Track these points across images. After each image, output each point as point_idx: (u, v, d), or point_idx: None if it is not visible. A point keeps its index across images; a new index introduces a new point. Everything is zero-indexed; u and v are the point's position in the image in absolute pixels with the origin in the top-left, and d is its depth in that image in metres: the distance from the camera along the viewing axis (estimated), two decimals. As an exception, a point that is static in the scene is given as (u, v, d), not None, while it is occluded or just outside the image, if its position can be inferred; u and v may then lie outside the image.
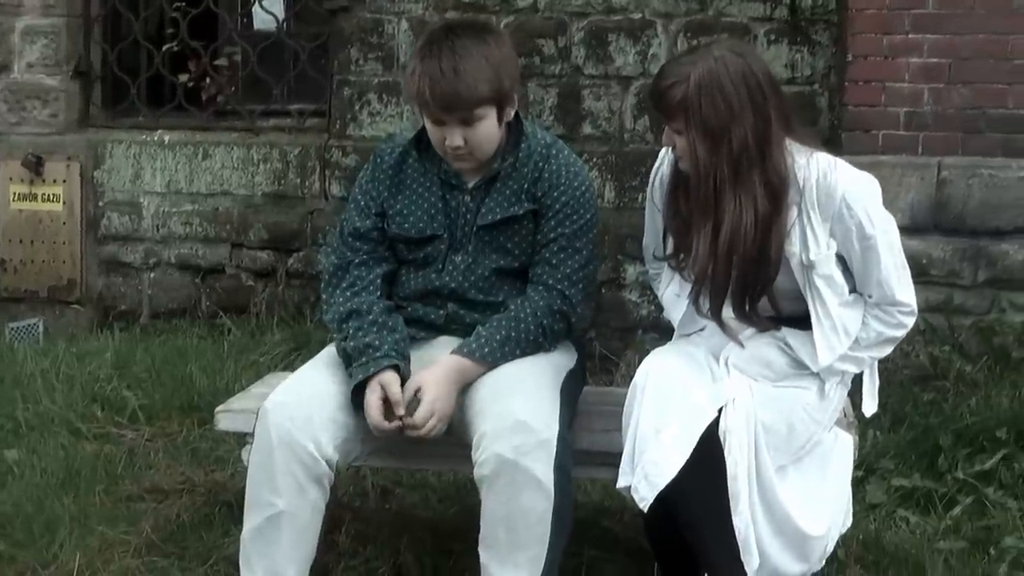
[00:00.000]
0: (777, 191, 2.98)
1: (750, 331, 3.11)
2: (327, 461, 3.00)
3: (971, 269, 5.13)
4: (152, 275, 6.16)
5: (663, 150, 3.18)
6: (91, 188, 6.21)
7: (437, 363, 3.09)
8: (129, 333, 5.85)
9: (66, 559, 3.43)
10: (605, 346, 5.43)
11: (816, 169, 3.01)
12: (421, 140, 3.30)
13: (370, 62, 5.90)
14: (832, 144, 5.22)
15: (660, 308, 5.31)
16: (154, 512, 3.84)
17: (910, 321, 3.13)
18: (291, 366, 5.12)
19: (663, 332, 5.39)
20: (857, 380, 3.24)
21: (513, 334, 3.14)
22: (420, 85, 3.08)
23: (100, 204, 6.21)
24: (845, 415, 3.26)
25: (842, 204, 3.00)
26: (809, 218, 3.02)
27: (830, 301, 3.04)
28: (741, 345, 3.10)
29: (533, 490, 2.88)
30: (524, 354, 3.14)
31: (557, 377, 3.16)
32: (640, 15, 5.68)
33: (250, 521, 3.03)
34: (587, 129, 5.73)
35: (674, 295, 3.23)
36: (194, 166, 6.09)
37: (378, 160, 3.35)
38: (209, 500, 3.94)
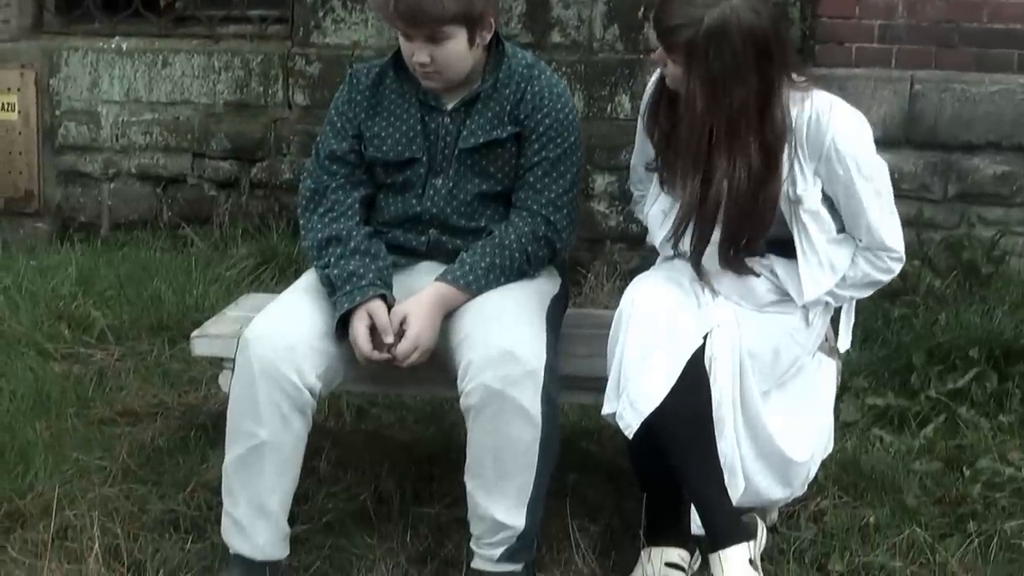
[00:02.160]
0: (773, 150, 2.94)
1: (728, 276, 3.09)
2: (310, 390, 2.98)
3: (941, 183, 5.16)
4: (112, 186, 6.06)
5: (655, 72, 3.13)
6: (47, 97, 6.07)
7: (421, 292, 3.07)
8: (90, 246, 5.75)
9: (42, 488, 3.39)
10: (573, 257, 5.40)
11: (810, 109, 2.98)
12: (399, 59, 3.23)
13: (334, -32, 5.78)
14: (804, 56, 5.21)
15: (629, 218, 5.46)
16: (128, 436, 3.81)
17: (898, 267, 3.14)
18: (259, 280, 5.14)
19: (631, 243, 5.46)
20: (834, 313, 3.25)
21: (497, 261, 3.11)
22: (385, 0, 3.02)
23: (56, 113, 6.07)
24: (827, 340, 3.27)
25: (831, 148, 2.98)
26: (798, 155, 2.99)
27: (816, 237, 3.04)
28: (714, 291, 3.07)
29: (521, 420, 2.88)
30: (508, 281, 3.12)
31: (542, 304, 3.14)
32: (611, -78, 5.57)
33: (232, 451, 3.01)
34: (556, 38, 5.65)
35: (660, 212, 3.18)
36: (153, 74, 5.96)
37: (354, 80, 3.30)
38: (184, 423, 3.91)
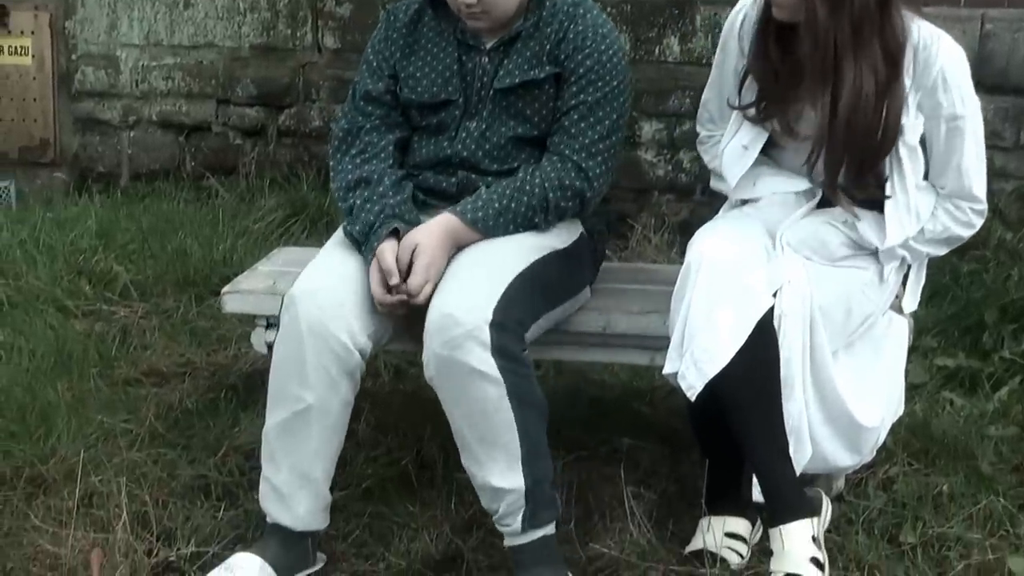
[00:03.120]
0: (895, 55, 2.91)
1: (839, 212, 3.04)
2: (360, 352, 2.93)
3: (1013, 130, 5.05)
4: (132, 134, 6.03)
5: (742, 8, 3.10)
6: (62, 40, 6.04)
7: (432, 221, 3.03)
8: (109, 197, 5.73)
9: (66, 452, 3.35)
10: (619, 208, 5.35)
11: (917, 36, 2.94)
12: None
13: (369, -98, 5.68)
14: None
15: (678, 168, 5.40)
16: (155, 398, 3.78)
17: (979, 222, 3.10)
18: (289, 233, 5.12)
19: (680, 193, 5.41)
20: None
21: (513, 204, 3.06)
22: None
23: (73, 58, 6.05)
24: (899, 300, 3.20)
25: (938, 77, 2.94)
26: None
27: (909, 176, 2.99)
28: (856, 216, 3.03)
29: (477, 380, 2.80)
30: (518, 229, 3.06)
31: (524, 257, 3.03)
32: None
33: (275, 415, 2.95)
34: (600, -25, 5.54)
35: (740, 147, 3.13)
36: (175, 16, 5.91)
37: (391, 18, 3.27)
38: (213, 384, 3.88)
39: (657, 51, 5.47)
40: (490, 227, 3.03)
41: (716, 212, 3.31)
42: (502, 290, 2.89)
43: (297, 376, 2.90)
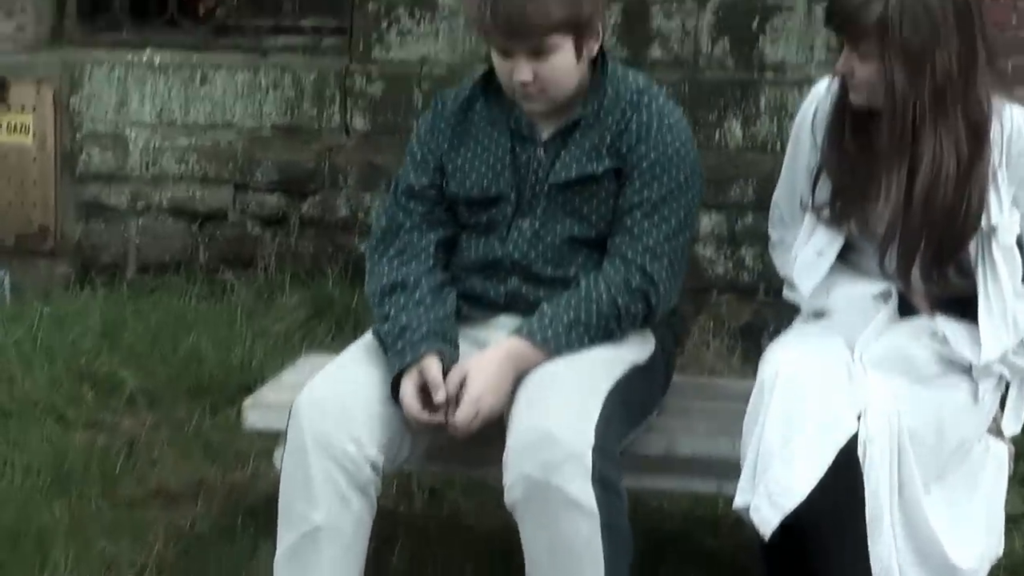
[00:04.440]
0: (980, 129, 2.93)
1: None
2: (372, 465, 2.94)
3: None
4: (140, 221, 6.04)
5: (822, 82, 3.14)
6: (67, 117, 6.07)
7: (490, 348, 3.03)
8: (114, 291, 5.73)
9: (64, 584, 3.34)
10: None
11: (1010, 122, 2.96)
12: (490, 82, 3.23)
13: (400, -29, 5.76)
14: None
15: (739, 265, 5.38)
16: (164, 522, 3.75)
17: None
18: (313, 335, 5.12)
19: (741, 294, 5.39)
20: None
21: (583, 316, 3.05)
22: (482, 7, 3.02)
23: (77, 137, 6.08)
24: (996, 422, 3.16)
25: None
26: (995, 176, 2.95)
27: (1005, 281, 2.98)
28: (930, 313, 3.02)
29: (572, 512, 2.80)
30: (594, 342, 3.06)
31: (610, 374, 3.05)
32: (721, -82, 5.52)
33: (284, 541, 2.96)
34: (655, 53, 5.59)
35: (814, 254, 3.13)
36: (190, 92, 5.95)
37: (439, 106, 3.30)
38: (230, 507, 3.85)
39: (717, 136, 5.49)
40: (563, 344, 3.02)
41: (781, 315, 3.33)
42: (599, 410, 2.90)
43: (304, 494, 2.91)
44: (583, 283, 3.09)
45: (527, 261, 3.16)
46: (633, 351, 3.14)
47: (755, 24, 5.46)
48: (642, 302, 3.09)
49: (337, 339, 4.99)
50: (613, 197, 3.14)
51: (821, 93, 3.16)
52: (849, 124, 3.02)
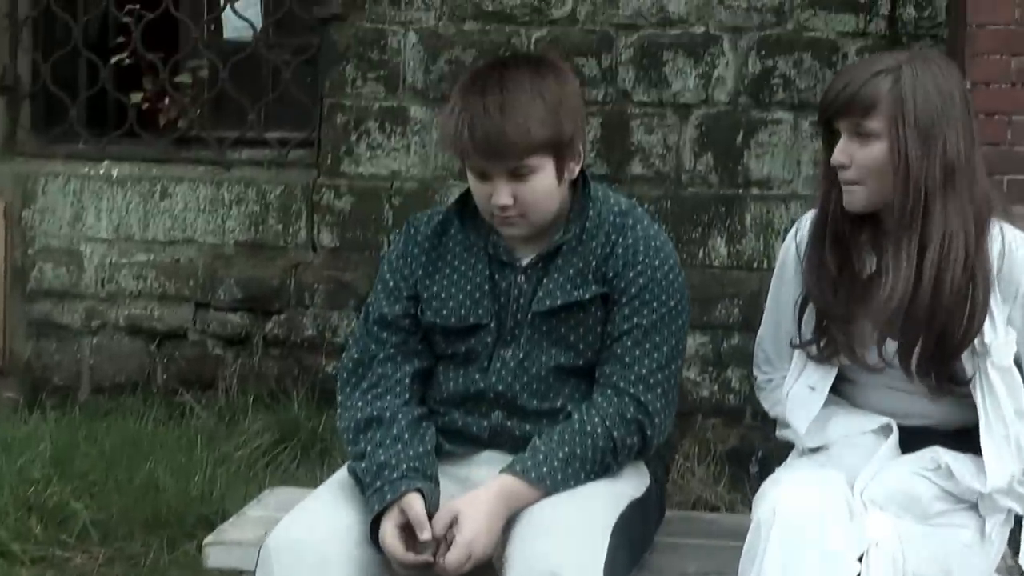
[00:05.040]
0: (983, 216, 2.95)
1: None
2: None
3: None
4: (95, 340, 6.05)
5: (806, 215, 3.15)
6: (18, 232, 6.10)
7: (481, 488, 2.97)
8: (66, 414, 5.68)
9: None
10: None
11: (1000, 241, 2.96)
12: (466, 205, 3.21)
13: (370, 83, 5.81)
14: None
15: (725, 387, 5.39)
16: (119, 673, 3.71)
17: None
18: (277, 462, 5.07)
19: (727, 417, 5.39)
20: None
21: (579, 451, 3.01)
22: (459, 125, 2.99)
23: (30, 252, 6.10)
24: (1005, 560, 3.14)
25: None
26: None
27: (1005, 403, 2.95)
28: (931, 397, 3.02)
29: None
30: (590, 477, 3.01)
31: (612, 510, 3.01)
32: (703, 29, 5.60)
33: None
34: (636, 168, 5.64)
35: (806, 389, 3.10)
36: (149, 207, 5.99)
37: (411, 231, 3.26)
38: (190, 657, 3.80)
39: (701, 254, 5.53)
40: (559, 481, 2.97)
41: (770, 440, 3.31)
42: (605, 549, 2.87)
43: None
44: (576, 416, 3.05)
45: (511, 393, 3.11)
46: (630, 485, 3.11)
47: (739, 138, 5.52)
48: (638, 434, 3.06)
49: (303, 466, 4.97)
50: (600, 324, 3.11)
51: (804, 226, 3.17)
52: (829, 241, 3.03)
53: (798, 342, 3.12)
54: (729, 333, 5.40)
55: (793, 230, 3.20)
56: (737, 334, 5.35)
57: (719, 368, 5.42)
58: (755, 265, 5.38)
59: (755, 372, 3.36)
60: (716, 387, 5.44)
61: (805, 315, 3.11)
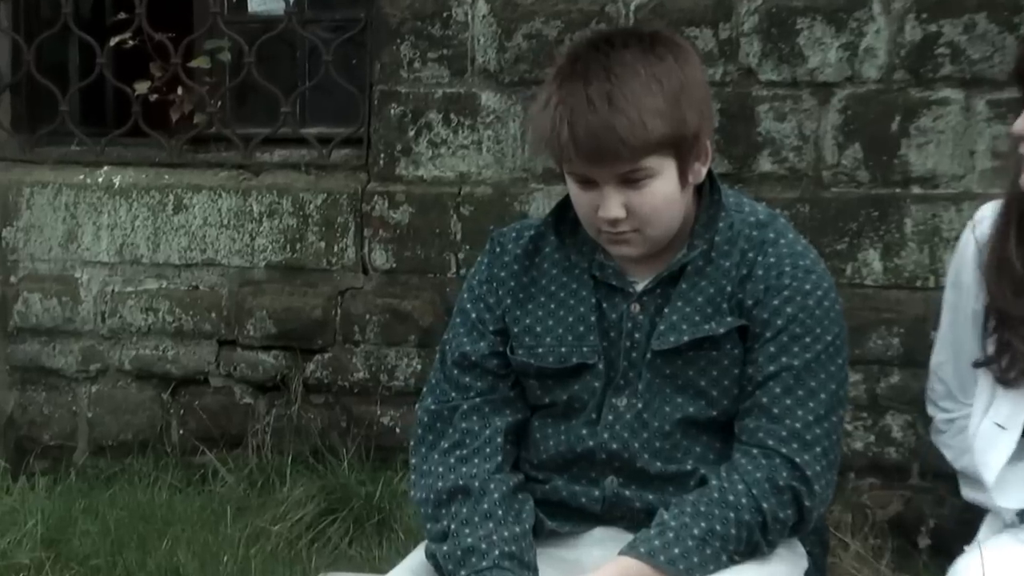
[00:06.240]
0: None
1: None
2: None
3: None
4: (94, 389, 6.11)
5: (983, 207, 3.18)
6: None
7: (597, 571, 2.96)
8: (60, 482, 5.77)
9: None
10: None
11: None
12: (564, 217, 3.24)
13: (430, 64, 5.82)
14: None
15: (884, 439, 5.33)
16: None
17: None
18: (324, 536, 5.11)
19: (887, 476, 5.34)
20: None
21: (719, 527, 2.99)
22: (556, 122, 2.99)
23: (12, 280, 6.17)
24: None
25: None
26: None
27: None
28: None
29: None
30: (733, 560, 3.01)
31: None
32: (848, -12, 5.56)
33: None
34: (764, 165, 5.60)
35: (994, 428, 3.11)
36: (160, 222, 6.04)
37: (497, 249, 3.30)
38: None
39: (849, 270, 5.47)
40: (695, 565, 2.96)
41: (944, 505, 3.27)
42: None
43: None
44: (713, 482, 3.04)
45: (628, 453, 3.11)
46: (784, 569, 3.11)
47: (895, 124, 5.44)
48: (792, 506, 3.04)
49: (357, 543, 4.99)
50: (739, 365, 3.11)
51: (986, 217, 3.18)
52: (1016, 229, 3.05)
53: (983, 363, 3.08)
54: (887, 370, 5.34)
55: (971, 223, 3.21)
56: (897, 371, 5.29)
57: (875, 414, 5.37)
58: (918, 283, 5.30)
59: (931, 410, 3.37)
60: (872, 438, 5.39)
61: (989, 330, 3.09)
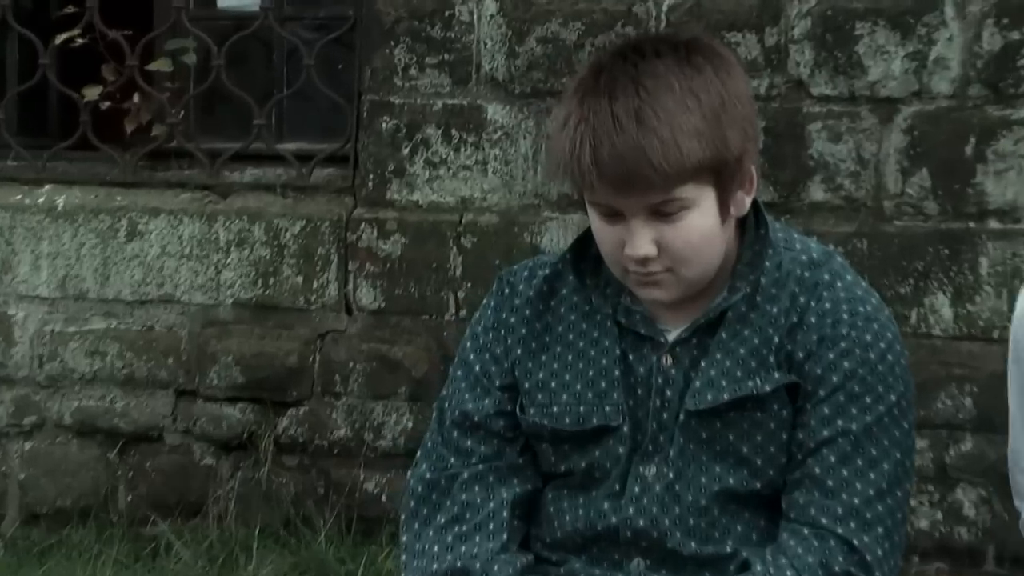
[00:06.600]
0: None
1: None
2: None
3: None
4: (28, 446, 6.13)
5: None
6: (-79, 288, 6.18)
7: None
8: (-13, 556, 5.76)
9: None
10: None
11: None
12: (584, 254, 3.21)
13: (429, 71, 5.86)
14: None
15: (954, 517, 5.34)
16: None
17: None
18: None
19: (957, 559, 5.36)
20: None
21: None
22: (576, 144, 2.94)
23: (-63, 317, 6.17)
24: None
25: None
26: None
27: None
28: None
29: None
30: None
31: None
32: (915, -11, 5.59)
33: None
34: (816, 193, 5.64)
35: None
36: (111, 251, 6.07)
37: (506, 291, 3.27)
38: None
39: (915, 317, 5.52)
40: None
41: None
42: None
43: None
44: (758, 568, 3.01)
45: (658, 532, 3.08)
46: None
47: (970, 148, 5.47)
48: None
49: (335, 629, 4.98)
50: (787, 429, 3.07)
51: None
52: None
53: None
54: (958, 435, 5.36)
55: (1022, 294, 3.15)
56: (969, 436, 5.32)
57: (944, 487, 5.39)
58: (995, 334, 5.32)
59: (1018, 503, 3.33)
60: (940, 515, 5.42)
61: None
